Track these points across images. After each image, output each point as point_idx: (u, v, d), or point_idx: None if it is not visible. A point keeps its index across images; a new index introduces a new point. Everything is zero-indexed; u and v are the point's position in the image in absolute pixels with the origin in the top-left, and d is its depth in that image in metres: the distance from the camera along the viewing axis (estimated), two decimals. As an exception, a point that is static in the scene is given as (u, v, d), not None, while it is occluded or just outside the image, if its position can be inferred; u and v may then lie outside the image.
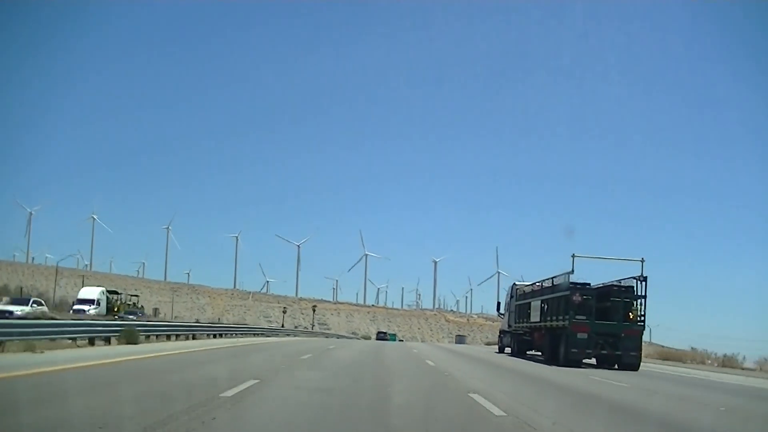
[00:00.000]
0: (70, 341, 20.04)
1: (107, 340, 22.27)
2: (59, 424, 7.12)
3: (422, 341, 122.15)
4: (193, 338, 31.83)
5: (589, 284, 25.46)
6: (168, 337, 29.16)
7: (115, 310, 57.03)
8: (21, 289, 78.15)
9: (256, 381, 11.89)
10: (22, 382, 10.48)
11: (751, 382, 24.03)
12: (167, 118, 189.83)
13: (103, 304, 55.24)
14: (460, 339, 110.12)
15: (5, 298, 45.28)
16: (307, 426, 7.91)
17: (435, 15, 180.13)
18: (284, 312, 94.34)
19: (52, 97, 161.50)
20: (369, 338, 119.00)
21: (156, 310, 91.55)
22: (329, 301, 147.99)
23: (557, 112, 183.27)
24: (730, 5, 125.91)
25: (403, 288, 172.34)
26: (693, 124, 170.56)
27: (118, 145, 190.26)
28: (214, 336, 35.55)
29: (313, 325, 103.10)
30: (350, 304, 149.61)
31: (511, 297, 33.48)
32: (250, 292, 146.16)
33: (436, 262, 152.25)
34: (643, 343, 25.52)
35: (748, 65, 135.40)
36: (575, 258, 24.85)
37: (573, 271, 24.76)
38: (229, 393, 9.85)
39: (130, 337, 22.57)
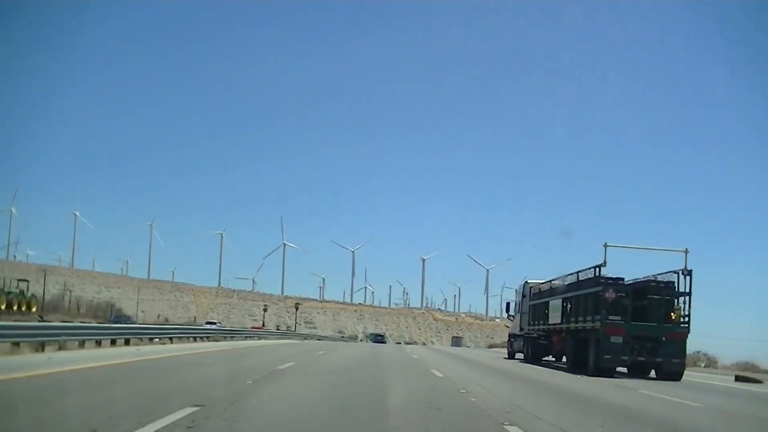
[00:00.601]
0: None
1: None
2: None
3: (410, 340, 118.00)
4: (113, 344, 22.17)
5: (622, 279, 21.34)
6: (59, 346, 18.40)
7: None
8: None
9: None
10: None
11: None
12: (153, 116, 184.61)
13: None
14: (457, 341, 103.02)
15: None
16: None
17: (422, 14, 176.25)
18: (264, 310, 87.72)
19: (36, 95, 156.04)
20: (356, 338, 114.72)
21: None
22: (315, 300, 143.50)
23: (552, 111, 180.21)
24: (729, 4, 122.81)
25: (390, 286, 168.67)
26: (692, 124, 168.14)
27: (102, 143, 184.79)
28: (150, 340, 26.88)
29: (296, 325, 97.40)
30: (337, 302, 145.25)
31: (523, 296, 29.32)
32: (234, 291, 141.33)
33: (424, 260, 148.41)
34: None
35: (747, 64, 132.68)
36: (607, 248, 20.82)
37: (605, 263, 20.68)
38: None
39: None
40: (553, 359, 27.59)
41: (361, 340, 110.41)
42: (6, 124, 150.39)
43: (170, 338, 29.04)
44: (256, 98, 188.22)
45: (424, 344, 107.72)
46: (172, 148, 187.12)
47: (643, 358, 20.50)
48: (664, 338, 20.28)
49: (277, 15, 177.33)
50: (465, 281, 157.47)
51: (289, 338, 58.35)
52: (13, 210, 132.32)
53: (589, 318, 21.18)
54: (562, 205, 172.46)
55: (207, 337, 35.15)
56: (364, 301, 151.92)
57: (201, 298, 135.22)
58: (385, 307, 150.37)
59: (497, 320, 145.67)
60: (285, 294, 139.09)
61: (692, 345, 21.85)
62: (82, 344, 20.17)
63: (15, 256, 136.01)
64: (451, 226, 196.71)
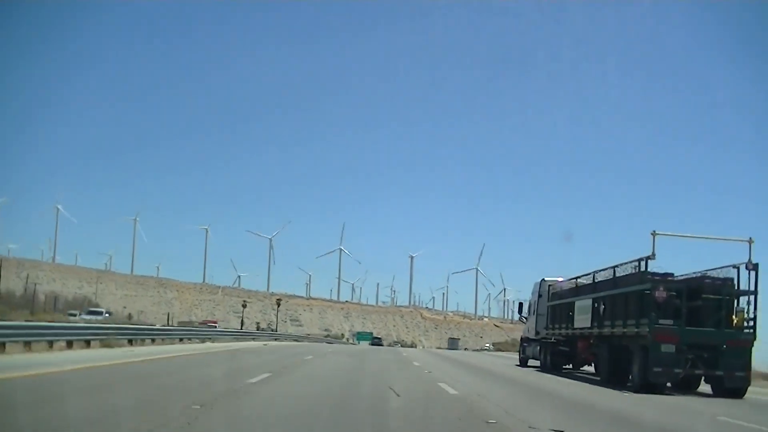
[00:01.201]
0: None
1: None
2: None
3: (398, 339, 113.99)
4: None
5: (672, 275, 17.36)
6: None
7: None
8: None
9: None
10: None
11: None
12: (137, 110, 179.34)
13: None
14: (453, 342, 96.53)
15: None
16: None
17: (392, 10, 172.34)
18: (244, 306, 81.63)
19: (19, 89, 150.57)
20: (341, 337, 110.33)
21: None
22: (302, 297, 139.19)
23: (549, 108, 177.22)
24: (729, 5, 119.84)
25: (378, 284, 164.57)
26: (691, 124, 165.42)
27: (87, 136, 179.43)
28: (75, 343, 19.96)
29: (277, 322, 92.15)
30: (323, 299, 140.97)
31: (539, 296, 25.26)
32: (219, 287, 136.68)
33: (412, 258, 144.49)
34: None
35: (748, 63, 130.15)
36: (656, 236, 16.86)
37: (654, 255, 16.70)
38: None
39: None
40: (573, 368, 23.67)
41: (347, 339, 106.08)
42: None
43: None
44: (241, 93, 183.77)
45: (413, 345, 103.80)
46: (157, 142, 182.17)
47: (699, 371, 16.58)
48: (724, 347, 16.38)
49: (261, 11, 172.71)
50: (453, 279, 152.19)
51: (255, 338, 48.31)
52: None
53: (631, 322, 17.20)
54: (560, 205, 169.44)
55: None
56: (351, 299, 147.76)
57: (185, 295, 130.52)
58: (372, 305, 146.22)
59: (485, 319, 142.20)
60: (271, 291, 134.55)
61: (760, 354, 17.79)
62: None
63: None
64: (441, 223, 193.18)
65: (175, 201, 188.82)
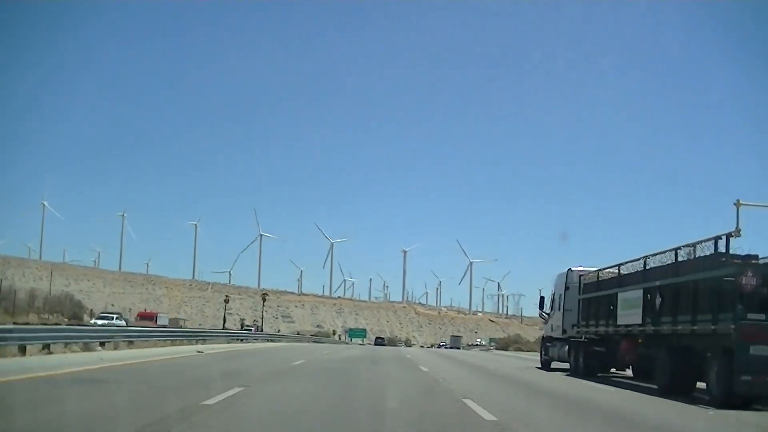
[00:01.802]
0: None
1: None
2: None
3: (392, 335, 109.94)
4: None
5: (757, 257, 13.38)
6: None
7: None
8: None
9: None
10: None
11: None
12: (126, 107, 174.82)
13: None
14: (455, 340, 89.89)
15: None
16: None
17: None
18: (226, 302, 75.73)
19: (6, 87, 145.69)
20: (333, 334, 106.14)
21: None
22: (293, 293, 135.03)
23: (546, 107, 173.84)
24: (726, 5, 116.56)
25: (371, 279, 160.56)
26: (689, 123, 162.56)
27: (74, 133, 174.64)
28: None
29: (263, 320, 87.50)
30: (315, 295, 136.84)
31: (566, 288, 21.14)
32: (209, 283, 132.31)
33: (405, 252, 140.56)
34: None
35: (748, 62, 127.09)
36: (740, 207, 12.93)
37: (739, 230, 12.77)
38: None
39: None
40: (606, 371, 19.70)
41: (339, 337, 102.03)
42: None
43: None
44: (231, 91, 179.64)
45: (406, 343, 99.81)
46: (146, 139, 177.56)
47: (798, 380, 12.61)
48: (828, 349, 12.44)
49: (258, 9, 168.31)
50: (447, 274, 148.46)
51: (204, 341, 31.81)
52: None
53: (704, 317, 13.24)
54: (557, 202, 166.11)
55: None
56: (344, 295, 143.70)
57: (174, 291, 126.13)
58: (365, 301, 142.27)
59: (479, 314, 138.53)
60: (261, 287, 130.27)
61: None
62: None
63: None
64: (434, 218, 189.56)
65: (165, 198, 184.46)
